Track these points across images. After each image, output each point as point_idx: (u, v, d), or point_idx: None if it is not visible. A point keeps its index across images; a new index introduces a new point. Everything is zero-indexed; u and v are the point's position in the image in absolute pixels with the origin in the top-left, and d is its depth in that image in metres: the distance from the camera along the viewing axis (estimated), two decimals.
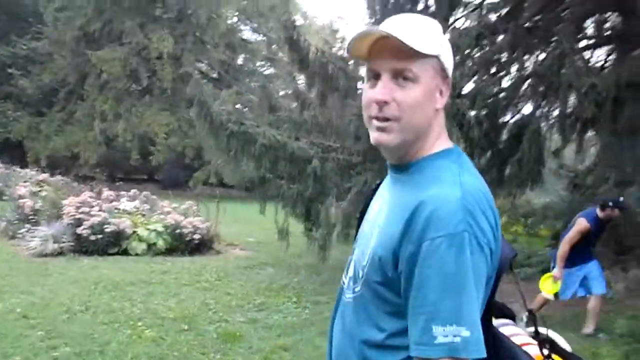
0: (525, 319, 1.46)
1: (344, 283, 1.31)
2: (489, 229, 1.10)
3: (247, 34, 26.34)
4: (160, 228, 9.04)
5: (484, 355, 1.05)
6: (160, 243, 8.88)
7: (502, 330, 1.32)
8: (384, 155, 1.27)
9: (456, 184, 1.11)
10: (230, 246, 10.27)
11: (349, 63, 7.92)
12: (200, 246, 9.28)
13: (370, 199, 1.36)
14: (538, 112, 7.91)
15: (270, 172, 7.58)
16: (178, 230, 9.03)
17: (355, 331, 1.22)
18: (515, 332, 1.35)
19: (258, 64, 26.49)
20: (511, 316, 1.41)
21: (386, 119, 1.18)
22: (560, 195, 12.49)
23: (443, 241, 1.05)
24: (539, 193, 13.37)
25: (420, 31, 1.16)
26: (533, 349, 1.30)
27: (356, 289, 1.23)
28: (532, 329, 1.41)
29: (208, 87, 7.35)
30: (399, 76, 1.16)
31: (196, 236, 9.11)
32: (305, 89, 9.19)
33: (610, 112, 6.07)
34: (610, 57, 9.20)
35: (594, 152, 10.88)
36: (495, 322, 1.35)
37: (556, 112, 7.86)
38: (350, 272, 1.28)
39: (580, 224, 5.77)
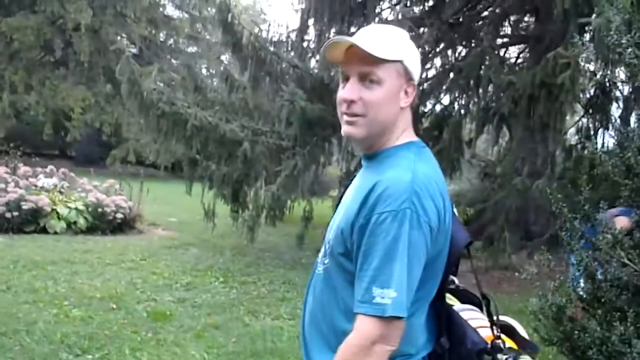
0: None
1: (318, 259, 1.48)
2: (434, 211, 1.27)
3: (169, 9, 25.64)
4: (80, 206, 8.80)
5: (404, 315, 1.23)
6: (81, 222, 8.65)
7: (463, 314, 1.49)
8: (353, 146, 1.48)
9: (409, 169, 1.29)
10: (152, 226, 10.13)
11: (282, 48, 8.02)
12: (123, 225, 9.12)
13: (348, 186, 1.54)
14: (456, 105, 8.34)
15: (200, 153, 7.58)
16: (100, 209, 8.83)
17: (324, 299, 1.40)
18: (474, 317, 1.50)
19: (181, 41, 25.86)
20: (476, 303, 1.57)
21: (354, 115, 1.36)
22: (472, 184, 13.19)
23: (388, 216, 1.23)
24: (452, 181, 14.07)
25: (384, 40, 1.35)
26: (486, 331, 1.46)
27: (325, 262, 1.41)
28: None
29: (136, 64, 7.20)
30: (365, 79, 1.35)
31: (119, 215, 8.95)
32: (233, 71, 9.19)
33: (525, 108, 6.54)
34: (522, 55, 9.83)
35: (504, 144, 11.58)
36: (459, 306, 1.54)
37: (473, 105, 8.32)
38: (323, 249, 1.46)
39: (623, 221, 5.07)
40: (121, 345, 4.32)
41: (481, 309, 1.55)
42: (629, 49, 2.98)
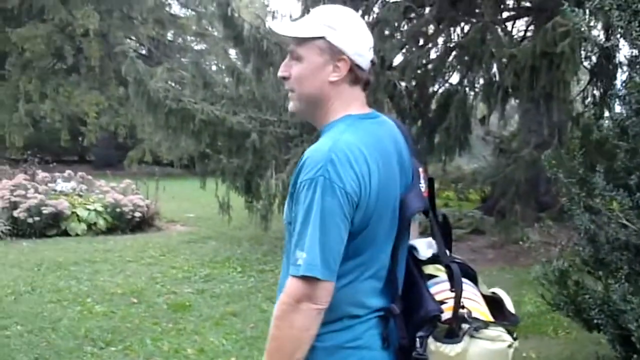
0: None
1: None
2: (352, 177, 1.30)
3: (175, 8, 25.77)
4: (99, 207, 9.00)
5: (316, 274, 1.28)
6: (101, 222, 8.86)
7: (439, 285, 1.47)
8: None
9: (332, 139, 1.35)
10: (171, 223, 10.32)
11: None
12: (142, 224, 9.31)
13: None
14: (464, 82, 8.34)
15: (210, 148, 7.71)
16: (118, 209, 9.02)
17: (285, 264, 1.48)
18: (446, 288, 1.46)
19: (189, 39, 26.00)
20: (470, 276, 1.52)
21: (289, 91, 1.50)
22: (487, 161, 13.17)
23: (305, 183, 1.31)
24: (468, 159, 14.06)
25: (306, 20, 1.46)
26: (466, 303, 1.42)
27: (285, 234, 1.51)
28: (490, 289, 1.56)
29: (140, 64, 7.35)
30: (292, 56, 1.47)
31: (137, 214, 9.13)
32: (239, 64, 9.29)
33: (528, 80, 6.54)
34: (530, 28, 9.77)
35: (517, 119, 11.54)
36: (442, 277, 1.49)
37: (481, 81, 8.32)
38: None
39: None
40: (143, 336, 4.48)
41: (475, 283, 1.53)
42: (616, 12, 3.01)
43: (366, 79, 1.48)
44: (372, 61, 1.49)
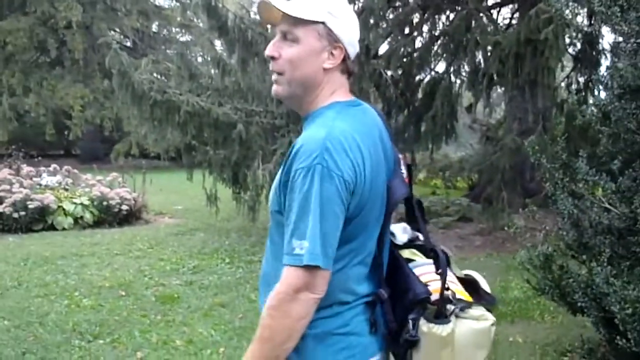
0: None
1: None
2: (348, 164, 1.31)
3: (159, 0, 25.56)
4: (86, 201, 8.95)
5: (319, 263, 1.28)
6: (88, 216, 8.81)
7: (421, 268, 1.51)
8: (290, 107, 1.52)
9: (326, 126, 1.34)
10: (158, 215, 10.30)
11: (268, 28, 8.04)
12: (129, 217, 9.27)
13: None
14: (450, 70, 8.36)
15: (196, 139, 7.67)
16: (105, 202, 8.97)
17: (269, 255, 1.48)
18: (430, 270, 1.50)
19: (173, 30, 25.81)
20: (434, 257, 1.54)
21: (277, 73, 1.44)
22: (474, 148, 13.23)
23: (301, 172, 1.29)
24: (455, 147, 14.13)
25: (305, 2, 1.40)
26: (436, 284, 1.45)
27: (270, 223, 1.49)
28: (462, 271, 1.59)
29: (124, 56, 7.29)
30: (286, 37, 1.42)
31: (124, 207, 9.09)
32: (224, 55, 9.24)
33: (512, 67, 6.56)
34: (515, 15, 9.80)
35: (503, 107, 11.59)
36: (420, 261, 1.54)
37: (467, 69, 8.34)
38: None
39: None
40: (131, 328, 4.47)
41: (449, 264, 1.54)
42: None
43: (352, 70, 1.48)
44: (357, 54, 1.50)
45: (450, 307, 1.40)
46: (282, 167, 1.37)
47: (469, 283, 1.56)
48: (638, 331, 2.57)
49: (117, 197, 9.10)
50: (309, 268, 1.28)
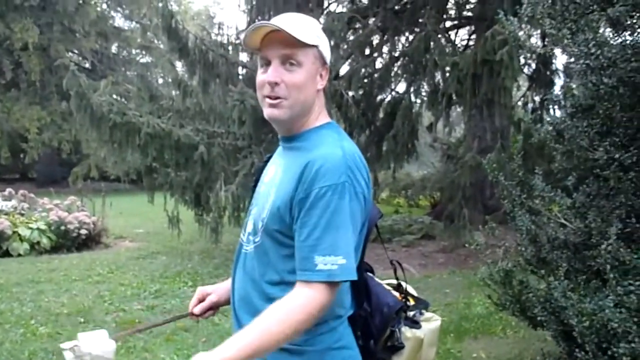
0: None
1: (242, 239, 1.55)
2: (364, 183, 1.39)
3: (119, 21, 25.34)
4: (43, 226, 8.71)
5: (355, 278, 1.35)
6: (45, 241, 8.57)
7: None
8: (276, 128, 1.53)
9: (338, 146, 1.40)
10: (119, 239, 10.09)
11: (229, 49, 8.06)
12: (88, 241, 9.05)
13: (263, 168, 1.62)
14: (410, 90, 8.50)
15: (157, 161, 7.58)
16: (63, 227, 8.75)
17: (256, 274, 1.47)
18: (378, 282, 1.63)
19: (133, 52, 25.58)
20: (370, 270, 1.68)
21: (277, 98, 1.44)
22: (435, 167, 13.44)
23: (328, 189, 1.33)
24: (417, 166, 14.33)
25: (302, 26, 1.44)
26: (394, 293, 1.62)
27: (256, 240, 1.48)
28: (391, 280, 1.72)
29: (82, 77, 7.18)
30: (287, 61, 1.43)
31: (83, 231, 8.88)
32: (185, 77, 9.20)
33: (470, 87, 6.72)
34: (473, 37, 10.06)
35: (463, 125, 11.82)
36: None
37: (426, 89, 8.49)
38: (249, 228, 1.52)
39: None
40: None
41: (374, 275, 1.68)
42: (547, 20, 3.13)
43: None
44: None
45: (410, 313, 1.59)
46: (295, 185, 1.38)
47: (400, 289, 1.69)
48: (595, 343, 2.63)
49: (76, 221, 8.89)
50: (336, 284, 1.33)
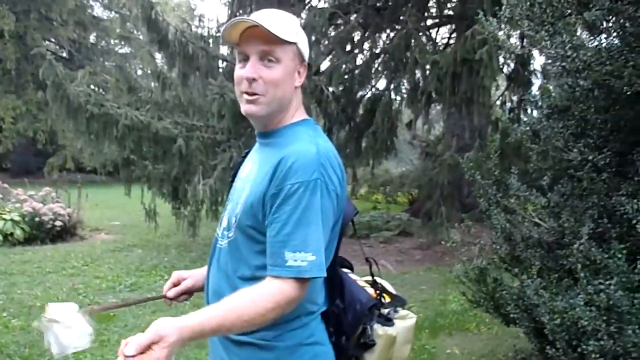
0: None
1: (217, 234, 1.55)
2: (337, 180, 1.39)
3: (98, 10, 24.97)
4: (16, 217, 8.58)
5: (325, 275, 1.35)
6: (18, 232, 8.44)
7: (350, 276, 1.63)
8: (253, 124, 1.53)
9: (312, 143, 1.40)
10: (95, 231, 9.99)
11: (210, 42, 8.00)
12: (63, 233, 8.94)
13: (241, 164, 1.62)
14: (390, 87, 8.54)
15: (134, 154, 7.51)
16: (37, 218, 8.63)
17: (229, 269, 1.47)
18: (355, 278, 1.64)
19: (112, 42, 25.25)
20: (350, 267, 1.70)
21: (254, 94, 1.43)
22: (414, 164, 13.53)
23: (301, 186, 1.33)
24: (396, 163, 14.42)
25: (282, 23, 1.43)
26: (369, 289, 1.62)
27: (230, 235, 1.48)
28: (363, 278, 1.71)
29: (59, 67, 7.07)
30: (265, 58, 1.42)
31: (57, 223, 8.76)
32: (165, 69, 9.12)
33: (450, 85, 6.77)
34: (453, 36, 10.12)
35: (442, 123, 11.92)
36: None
37: (406, 87, 8.54)
38: (224, 223, 1.52)
39: None
40: None
41: (352, 272, 1.69)
42: (525, 22, 3.16)
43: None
44: None
45: (384, 310, 1.58)
46: (268, 181, 1.38)
47: (376, 286, 1.68)
48: (566, 341, 2.68)
49: (50, 212, 8.77)
50: (306, 280, 1.32)
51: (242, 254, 1.44)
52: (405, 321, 1.59)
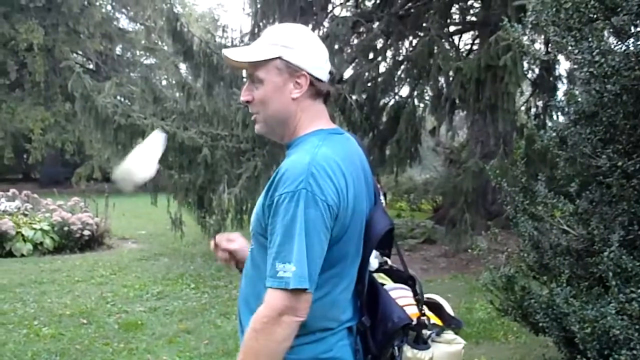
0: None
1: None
2: (332, 189, 1.35)
3: (124, 22, 25.44)
4: (46, 227, 8.74)
5: (307, 286, 1.31)
6: (48, 242, 8.60)
7: (392, 292, 1.56)
8: (274, 140, 1.58)
9: (310, 152, 1.38)
10: (122, 240, 10.13)
11: None
12: (91, 242, 9.09)
13: None
14: (414, 95, 8.52)
15: (161, 163, 7.57)
16: (66, 228, 8.77)
17: (251, 278, 1.50)
18: (403, 295, 1.57)
19: (138, 53, 25.66)
20: (408, 282, 1.62)
21: (253, 114, 1.52)
22: (438, 171, 13.47)
23: (286, 196, 1.32)
24: (420, 170, 14.35)
25: (258, 43, 1.48)
26: (413, 309, 1.53)
27: (251, 244, 1.52)
28: (426, 295, 1.64)
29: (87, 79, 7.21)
30: (254, 79, 1.48)
31: (86, 232, 8.90)
32: (190, 79, 9.23)
33: (473, 92, 6.73)
34: (477, 42, 10.07)
35: (465, 130, 11.85)
36: (390, 285, 1.60)
37: (430, 94, 8.51)
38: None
39: None
40: (93, 357, 4.37)
41: (415, 285, 1.62)
42: (551, 28, 3.14)
43: (327, 91, 1.52)
44: (330, 72, 1.53)
45: (425, 332, 1.49)
46: (265, 191, 1.40)
47: (433, 306, 1.61)
48: (597, 350, 2.64)
49: (79, 222, 8.92)
50: (294, 291, 1.30)
51: (259, 262, 1.45)
52: (450, 346, 1.50)
